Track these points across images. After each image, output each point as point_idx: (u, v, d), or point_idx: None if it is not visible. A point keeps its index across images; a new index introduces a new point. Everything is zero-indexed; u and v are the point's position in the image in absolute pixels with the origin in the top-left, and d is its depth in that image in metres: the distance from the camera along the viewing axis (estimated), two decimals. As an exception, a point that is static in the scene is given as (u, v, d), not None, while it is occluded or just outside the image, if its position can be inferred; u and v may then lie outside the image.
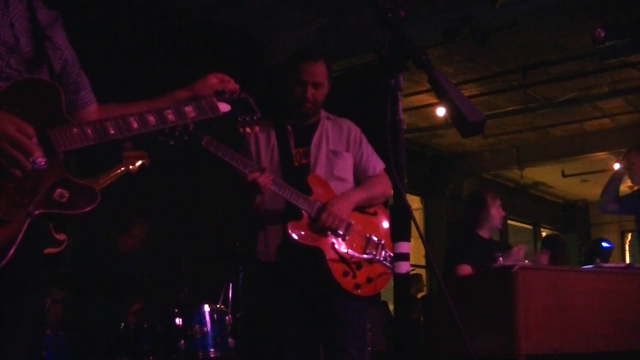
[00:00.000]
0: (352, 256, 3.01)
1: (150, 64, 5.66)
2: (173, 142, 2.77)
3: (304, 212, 2.96)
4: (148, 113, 2.06)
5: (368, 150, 3.24)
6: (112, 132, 1.98)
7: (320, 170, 3.08)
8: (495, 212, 4.92)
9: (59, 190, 1.90)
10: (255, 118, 2.42)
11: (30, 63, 1.93)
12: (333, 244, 3.00)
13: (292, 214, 2.98)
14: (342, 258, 3.00)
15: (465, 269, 4.48)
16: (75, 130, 1.92)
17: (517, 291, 3.63)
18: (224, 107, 2.30)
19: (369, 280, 3.04)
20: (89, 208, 1.96)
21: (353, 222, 3.07)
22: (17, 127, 1.75)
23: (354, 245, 3.04)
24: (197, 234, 5.48)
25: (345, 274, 2.99)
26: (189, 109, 2.15)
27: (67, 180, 1.93)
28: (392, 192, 2.93)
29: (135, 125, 2.03)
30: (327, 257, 2.96)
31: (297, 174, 3.03)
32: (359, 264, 3.02)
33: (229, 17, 6.27)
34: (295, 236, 2.93)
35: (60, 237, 2.57)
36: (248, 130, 2.42)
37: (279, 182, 2.92)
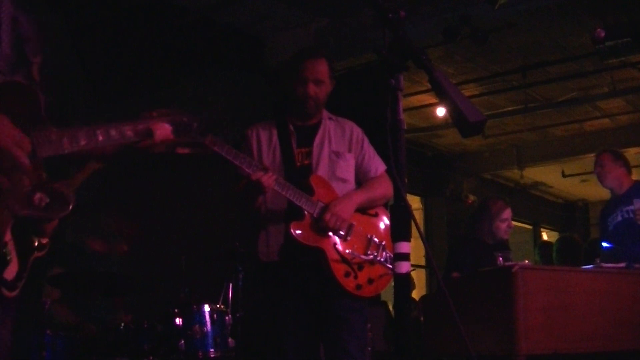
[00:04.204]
0: (354, 257, 3.01)
1: (150, 64, 5.66)
2: None
3: (306, 212, 2.96)
4: (111, 128, 2.14)
5: (370, 151, 3.24)
6: (83, 143, 2.05)
7: (322, 170, 3.08)
8: (500, 224, 4.78)
9: (38, 195, 1.93)
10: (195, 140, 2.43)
11: (11, 65, 1.95)
12: (335, 244, 3.00)
13: (294, 214, 2.98)
14: (344, 258, 3.00)
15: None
16: (53, 136, 1.97)
17: (517, 291, 3.62)
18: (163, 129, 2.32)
19: (370, 281, 3.04)
20: (63, 213, 2.00)
21: (354, 223, 3.07)
22: (15, 141, 1.78)
23: (356, 246, 3.04)
24: (197, 234, 5.48)
25: (347, 274, 2.99)
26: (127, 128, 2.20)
27: (46, 184, 1.97)
28: (389, 190, 2.93)
29: (100, 138, 2.11)
30: (329, 258, 2.97)
31: (299, 174, 3.03)
32: (360, 264, 3.03)
33: (229, 17, 6.27)
34: (297, 236, 2.93)
35: (44, 240, 2.60)
36: (182, 151, 2.44)
37: (281, 182, 2.92)
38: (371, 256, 3.05)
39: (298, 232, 2.94)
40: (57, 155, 2.01)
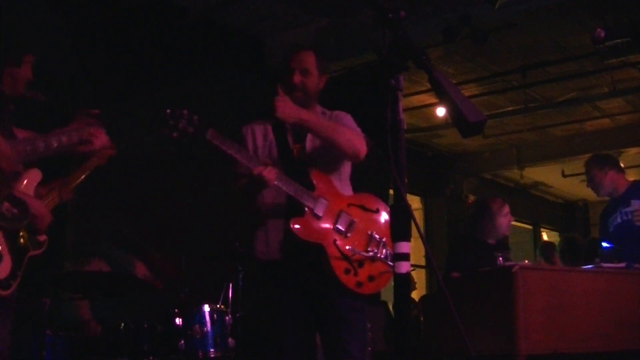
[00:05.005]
0: (354, 253, 3.00)
1: (150, 64, 5.66)
2: (177, 134, 2.77)
3: (306, 208, 2.95)
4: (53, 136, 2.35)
5: (344, 119, 3.20)
6: (41, 149, 2.27)
7: (318, 165, 3.07)
8: (502, 220, 4.81)
9: (6, 205, 2.03)
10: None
11: None
12: (335, 240, 2.99)
13: (293, 210, 2.96)
14: (344, 255, 2.98)
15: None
16: (19, 146, 2.14)
17: (517, 291, 3.62)
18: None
19: (371, 278, 3.03)
20: (24, 222, 2.12)
21: (356, 219, 3.06)
22: (10, 160, 1.91)
23: (356, 242, 3.03)
24: (197, 234, 5.48)
25: (347, 271, 2.97)
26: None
27: (12, 195, 2.06)
28: (359, 144, 2.92)
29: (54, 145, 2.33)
30: (329, 254, 2.95)
31: (296, 169, 3.02)
32: (360, 261, 3.01)
33: (229, 17, 6.26)
34: (297, 231, 2.91)
35: (42, 238, 2.61)
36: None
37: (282, 177, 2.91)
38: (371, 253, 3.03)
39: (298, 227, 2.92)
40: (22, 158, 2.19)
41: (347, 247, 3.00)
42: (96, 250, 4.70)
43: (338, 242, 2.99)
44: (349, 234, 3.03)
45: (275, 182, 2.87)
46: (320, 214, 2.99)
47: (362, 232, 3.07)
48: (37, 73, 2.97)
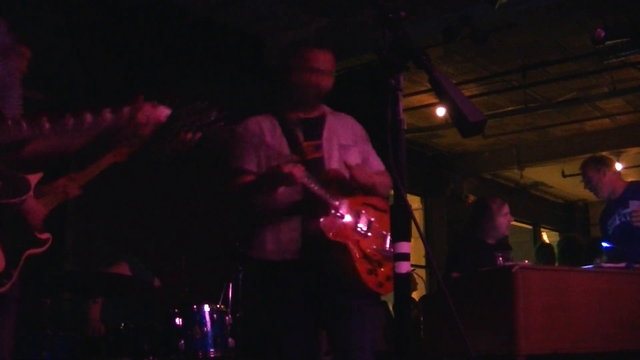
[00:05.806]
0: (376, 253, 2.95)
1: (150, 64, 5.66)
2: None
3: (330, 206, 2.88)
4: (86, 111, 1.98)
5: (371, 149, 3.22)
6: (47, 126, 1.91)
7: (334, 164, 3.00)
8: (502, 220, 4.81)
9: None
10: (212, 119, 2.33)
11: None
12: (358, 241, 2.92)
13: (308, 208, 2.88)
14: (366, 255, 2.93)
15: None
16: (9, 122, 1.91)
17: (517, 291, 3.62)
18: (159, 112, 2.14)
19: (388, 278, 2.95)
20: (20, 199, 2.01)
21: (373, 219, 3.01)
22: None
23: (376, 242, 2.98)
24: (197, 234, 5.48)
25: (370, 272, 2.91)
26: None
27: (0, 169, 1.98)
28: (390, 184, 2.89)
29: (71, 122, 1.94)
30: (353, 255, 2.88)
31: (309, 167, 2.90)
32: (380, 261, 2.96)
33: (229, 17, 6.27)
34: (326, 230, 2.83)
35: (44, 236, 2.55)
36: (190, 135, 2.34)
37: (309, 175, 2.81)
38: (390, 252, 2.95)
39: (326, 226, 2.83)
40: (18, 140, 1.92)
41: (370, 247, 2.94)
42: (126, 258, 4.71)
43: (360, 242, 2.92)
44: (369, 234, 2.97)
45: (304, 179, 2.78)
46: (344, 213, 2.92)
47: (378, 231, 3.01)
48: (36, 72, 2.96)
